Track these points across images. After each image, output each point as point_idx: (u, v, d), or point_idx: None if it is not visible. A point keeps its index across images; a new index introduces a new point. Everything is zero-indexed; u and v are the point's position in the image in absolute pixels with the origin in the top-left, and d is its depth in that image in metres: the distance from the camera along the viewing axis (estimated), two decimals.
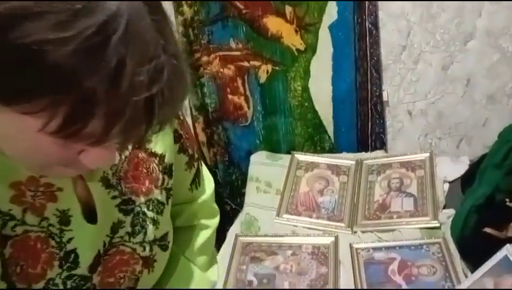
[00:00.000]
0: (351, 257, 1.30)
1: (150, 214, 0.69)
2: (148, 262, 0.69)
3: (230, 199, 1.80)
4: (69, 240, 0.59)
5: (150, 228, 0.68)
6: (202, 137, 1.73)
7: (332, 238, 1.37)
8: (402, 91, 1.57)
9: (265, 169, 1.61)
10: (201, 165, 0.87)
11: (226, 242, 1.43)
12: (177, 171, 0.75)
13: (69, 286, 0.59)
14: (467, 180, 1.38)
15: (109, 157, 0.51)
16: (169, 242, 0.73)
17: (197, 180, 0.84)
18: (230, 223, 1.52)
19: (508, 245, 1.06)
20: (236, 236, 1.42)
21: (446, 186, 1.44)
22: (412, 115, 1.61)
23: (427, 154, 1.52)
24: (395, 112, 1.62)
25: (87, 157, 0.49)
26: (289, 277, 1.28)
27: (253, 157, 1.65)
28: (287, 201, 1.50)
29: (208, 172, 0.94)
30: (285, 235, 1.40)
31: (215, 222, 0.93)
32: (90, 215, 0.62)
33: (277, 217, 1.46)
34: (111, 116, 0.43)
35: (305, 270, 1.29)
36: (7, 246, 0.54)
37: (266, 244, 1.38)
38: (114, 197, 0.64)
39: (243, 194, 1.58)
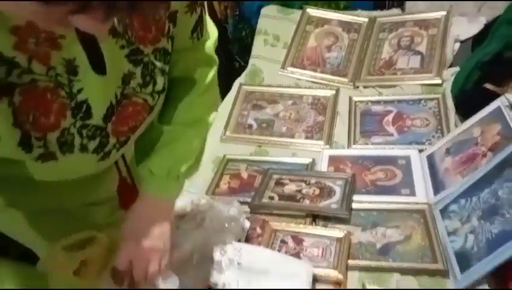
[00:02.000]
0: (349, 109, 1.34)
1: (158, 64, 0.69)
2: (153, 109, 0.72)
3: (239, 56, 1.81)
4: (79, 91, 0.60)
5: (159, 78, 0.70)
6: None
7: (333, 92, 1.39)
8: None
9: (274, 22, 1.58)
10: (205, 13, 0.84)
11: (230, 92, 1.48)
12: (178, 13, 0.74)
13: (84, 135, 0.62)
14: (478, 40, 1.33)
15: (99, 27, 0.49)
16: (166, 88, 0.75)
17: (199, 29, 0.82)
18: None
19: (503, 96, 1.07)
20: (240, 85, 1.46)
21: (457, 45, 1.40)
22: None
23: (444, 13, 1.46)
24: None
25: (77, 22, 0.48)
26: (287, 123, 1.34)
27: (264, 10, 1.61)
28: (293, 54, 1.50)
29: (212, 23, 0.91)
30: (287, 86, 1.43)
31: (212, 72, 0.91)
32: (99, 66, 0.62)
33: (281, 69, 1.48)
34: None
35: (303, 117, 1.35)
36: (15, 94, 0.55)
37: (268, 93, 1.43)
38: (122, 47, 0.64)
39: None
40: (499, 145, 0.98)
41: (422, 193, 1.06)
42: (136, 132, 0.70)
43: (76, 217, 0.79)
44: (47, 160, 0.61)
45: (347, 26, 1.55)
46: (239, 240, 0.93)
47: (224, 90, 1.53)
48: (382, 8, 1.61)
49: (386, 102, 1.33)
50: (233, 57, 1.83)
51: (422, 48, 1.42)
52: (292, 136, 1.30)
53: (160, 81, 0.70)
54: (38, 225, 0.79)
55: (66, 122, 0.60)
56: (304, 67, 1.47)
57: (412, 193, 1.07)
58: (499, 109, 1.05)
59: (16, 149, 0.58)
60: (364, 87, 1.40)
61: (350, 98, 1.36)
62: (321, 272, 0.88)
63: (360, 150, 1.23)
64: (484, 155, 1.00)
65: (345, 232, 0.96)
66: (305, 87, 1.43)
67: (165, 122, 0.76)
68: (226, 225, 0.91)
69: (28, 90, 0.56)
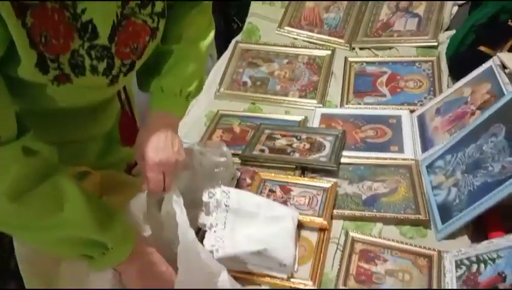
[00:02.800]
0: (344, 69, 1.35)
1: None
2: (155, 32, 0.74)
3: (238, 17, 1.80)
4: (83, 11, 0.62)
5: (158, 1, 0.72)
6: None
7: (329, 52, 1.39)
8: None
9: None
10: None
11: (226, 51, 1.47)
12: None
13: (93, 56, 0.66)
14: (476, 3, 1.32)
15: None
16: (165, 11, 0.77)
17: None
18: None
19: (495, 56, 1.08)
20: (236, 42, 1.46)
21: (455, 9, 1.40)
22: None
23: None
24: None
25: None
26: (281, 82, 1.35)
27: None
28: (290, 14, 1.50)
29: None
30: (284, 45, 1.43)
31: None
32: None
33: (278, 29, 1.47)
34: None
35: (297, 76, 1.35)
36: (27, 15, 0.58)
37: (264, 52, 1.43)
38: None
39: None
40: (488, 104, 0.99)
41: (411, 150, 1.08)
42: (141, 58, 0.72)
43: (71, 152, 0.81)
44: (63, 82, 0.65)
45: None
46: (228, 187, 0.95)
47: (222, 52, 1.53)
48: None
49: (380, 63, 1.34)
50: (232, 18, 1.82)
51: (420, 10, 1.41)
52: (286, 95, 1.31)
53: (159, 4, 0.73)
54: None
55: (74, 43, 0.64)
56: (301, 27, 1.47)
57: (401, 150, 1.09)
58: (490, 68, 1.06)
59: (33, 71, 0.62)
60: (360, 48, 1.40)
61: (345, 59, 1.36)
62: (306, 218, 0.91)
63: (352, 109, 1.24)
64: (473, 113, 1.02)
65: (332, 182, 0.98)
66: (301, 47, 1.42)
67: (171, 41, 0.79)
68: (216, 170, 0.93)
69: (38, 13, 0.59)
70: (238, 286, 0.79)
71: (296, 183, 1.00)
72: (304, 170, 1.06)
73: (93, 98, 0.75)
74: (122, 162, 0.97)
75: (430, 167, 1.01)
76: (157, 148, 0.73)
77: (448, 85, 1.23)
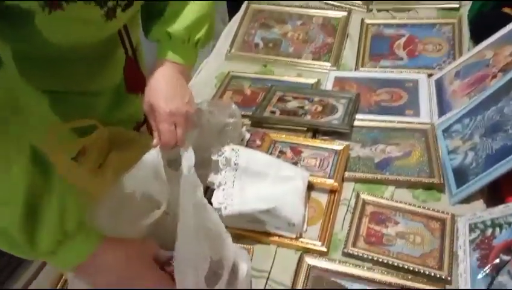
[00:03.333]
0: (360, 31, 1.30)
1: None
2: None
3: None
4: None
5: None
6: None
7: (345, 13, 1.34)
8: None
9: None
10: None
11: (238, 12, 1.43)
12: None
13: None
14: None
15: None
16: None
17: None
18: None
19: None
20: (249, 3, 1.41)
21: None
22: None
23: None
24: None
25: None
26: (294, 43, 1.31)
27: None
28: None
29: None
30: (298, 6, 1.38)
31: None
32: None
33: None
34: None
35: (311, 38, 1.31)
36: None
37: (277, 12, 1.38)
38: None
39: None
40: (511, 66, 0.95)
41: (427, 114, 1.04)
42: None
43: (79, 105, 0.80)
44: (54, 8, 0.60)
45: None
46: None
47: (234, 13, 1.48)
48: None
49: (399, 25, 1.28)
50: None
51: None
52: (299, 57, 1.27)
53: None
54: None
55: None
56: None
57: (416, 114, 1.05)
58: None
59: None
60: (378, 10, 1.35)
61: (362, 21, 1.31)
62: (317, 180, 0.89)
63: (367, 72, 1.20)
64: (494, 76, 0.97)
65: (344, 145, 0.96)
66: (316, 8, 1.38)
67: None
68: (225, 128, 0.90)
69: None
70: (244, 254, 0.76)
71: (307, 145, 0.98)
72: (316, 132, 1.03)
73: (91, 36, 0.70)
74: (131, 119, 0.95)
75: (446, 131, 0.97)
76: (166, 98, 0.69)
77: (469, 49, 1.17)
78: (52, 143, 0.71)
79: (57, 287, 0.79)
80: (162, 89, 0.70)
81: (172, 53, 0.72)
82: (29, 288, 0.86)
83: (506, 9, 1.12)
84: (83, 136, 0.79)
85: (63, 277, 0.79)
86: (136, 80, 0.78)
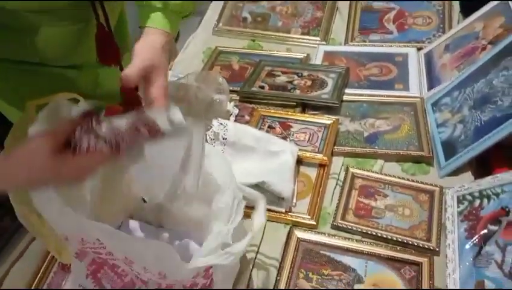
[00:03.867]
0: (349, 5, 1.28)
1: None
2: None
3: None
4: None
5: None
6: None
7: None
8: None
9: None
10: None
11: None
12: None
13: None
14: None
15: None
16: None
17: None
18: None
19: None
20: None
21: None
22: None
23: None
24: None
25: None
26: (283, 18, 1.28)
27: None
28: None
29: None
30: None
31: None
32: None
33: None
34: None
35: (300, 12, 1.29)
36: None
37: None
38: None
39: None
40: (500, 38, 0.94)
41: (416, 88, 1.04)
42: None
43: (59, 79, 0.77)
44: None
45: None
46: None
47: None
48: None
49: None
50: None
51: None
52: (288, 31, 1.25)
53: None
54: (18, 84, 0.77)
55: None
56: None
57: (406, 88, 1.05)
58: (505, 4, 1.00)
59: None
60: None
61: None
62: (306, 154, 0.88)
63: (357, 47, 1.18)
64: (484, 48, 0.97)
65: (334, 119, 0.95)
66: None
67: None
68: (213, 103, 0.89)
69: None
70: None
71: (297, 120, 0.97)
72: (305, 107, 1.02)
73: None
74: (113, 97, 0.93)
75: (435, 105, 0.97)
76: (165, 68, 0.64)
77: (458, 22, 1.16)
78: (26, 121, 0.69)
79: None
80: (162, 61, 0.66)
81: (155, 22, 0.69)
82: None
83: None
84: None
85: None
86: (108, 50, 0.74)
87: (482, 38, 0.99)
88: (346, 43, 1.20)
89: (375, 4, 1.27)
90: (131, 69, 0.61)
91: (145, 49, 0.64)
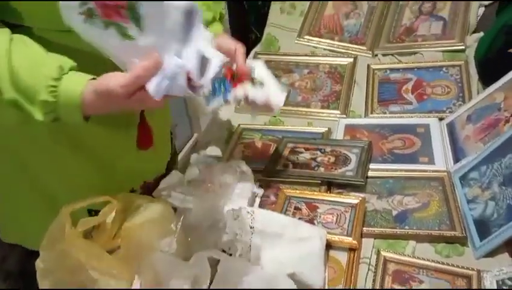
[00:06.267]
0: (367, 77, 1.30)
1: None
2: None
3: (256, 27, 1.78)
4: None
5: None
6: None
7: (351, 60, 1.36)
8: None
9: None
10: None
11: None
12: None
13: None
14: (504, 3, 1.27)
15: None
16: None
17: None
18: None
19: None
20: (256, 54, 1.43)
21: (481, 10, 1.34)
22: None
23: None
24: None
25: None
26: (303, 92, 1.31)
27: None
28: (310, 22, 1.46)
29: None
30: (304, 54, 1.40)
31: None
32: None
33: (298, 38, 1.44)
34: None
35: (319, 86, 1.32)
36: None
37: (284, 62, 1.40)
38: None
39: None
40: None
41: (442, 161, 1.03)
42: None
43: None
44: None
45: None
46: (251, 207, 0.93)
47: (234, 12, 1.50)
48: None
49: (405, 69, 1.29)
50: (250, 29, 1.79)
51: (444, 13, 1.36)
52: (308, 106, 1.28)
53: None
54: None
55: None
56: (320, 36, 1.44)
57: (431, 161, 1.04)
58: None
59: None
60: (383, 55, 1.36)
61: (368, 66, 1.32)
62: (335, 238, 0.87)
63: (377, 119, 1.20)
64: (507, 121, 0.96)
65: (360, 198, 0.94)
66: (322, 56, 1.39)
67: None
68: (237, 191, 0.90)
69: None
70: None
71: (323, 200, 0.96)
72: (330, 184, 1.02)
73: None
74: (137, 178, 0.95)
75: (463, 179, 0.95)
76: None
77: (478, 90, 1.17)
78: (67, 225, 0.71)
79: None
80: None
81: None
82: None
83: None
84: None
85: None
86: (148, 136, 0.78)
87: (504, 109, 0.99)
88: (366, 115, 1.22)
89: (392, 75, 1.29)
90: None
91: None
